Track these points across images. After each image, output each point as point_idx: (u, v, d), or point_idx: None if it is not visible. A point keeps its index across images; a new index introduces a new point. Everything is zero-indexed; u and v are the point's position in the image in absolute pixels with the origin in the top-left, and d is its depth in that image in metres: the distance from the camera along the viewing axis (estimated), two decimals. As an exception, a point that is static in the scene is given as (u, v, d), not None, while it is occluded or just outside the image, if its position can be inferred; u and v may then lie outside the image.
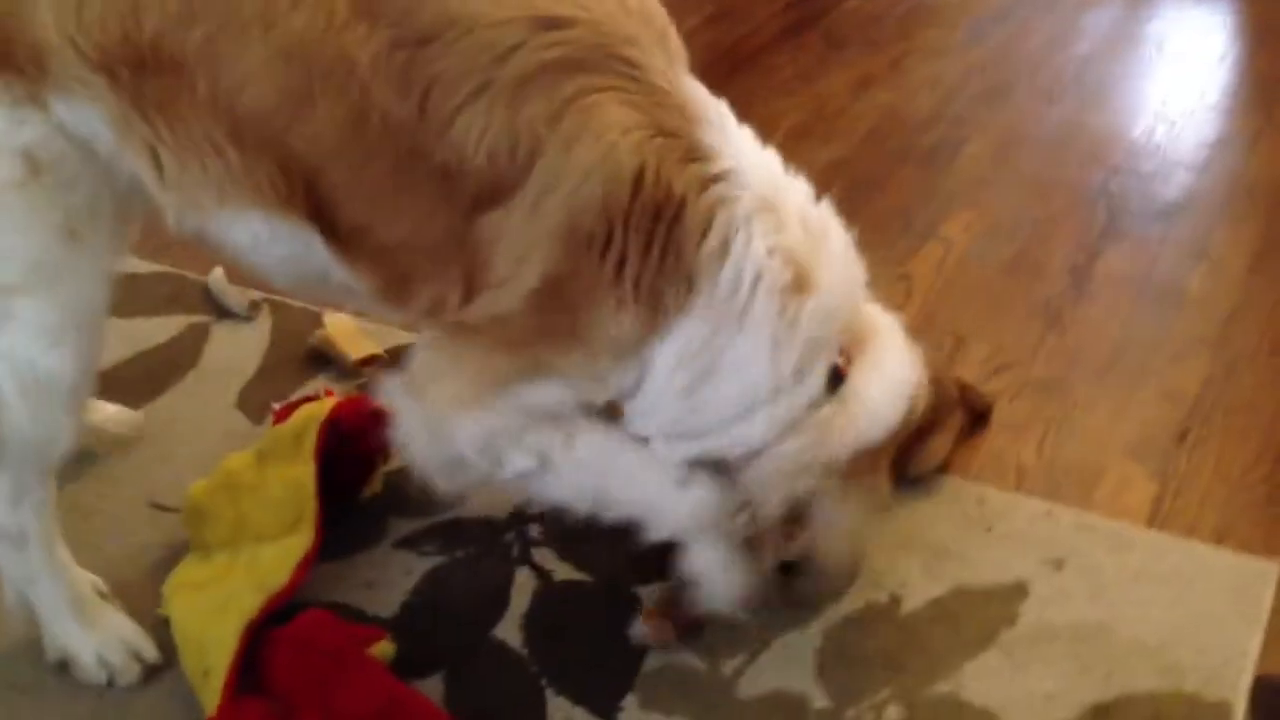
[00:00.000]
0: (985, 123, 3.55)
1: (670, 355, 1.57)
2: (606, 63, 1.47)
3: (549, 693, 1.72)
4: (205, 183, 1.52)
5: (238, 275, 2.48)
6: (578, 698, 1.71)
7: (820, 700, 1.71)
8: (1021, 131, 3.51)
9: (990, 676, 1.75)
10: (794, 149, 3.41)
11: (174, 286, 2.60)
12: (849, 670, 1.76)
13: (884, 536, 1.98)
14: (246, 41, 1.43)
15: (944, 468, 2.12)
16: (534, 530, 1.99)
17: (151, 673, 1.75)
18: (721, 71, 3.89)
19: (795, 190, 1.68)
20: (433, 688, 1.72)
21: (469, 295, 1.57)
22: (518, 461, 1.63)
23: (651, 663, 1.76)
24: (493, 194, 1.48)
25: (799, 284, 1.58)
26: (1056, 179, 3.23)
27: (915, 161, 3.33)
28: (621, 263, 1.49)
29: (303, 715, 1.61)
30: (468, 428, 1.60)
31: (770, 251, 1.56)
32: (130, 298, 2.44)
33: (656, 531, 1.67)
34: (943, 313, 2.64)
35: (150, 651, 1.77)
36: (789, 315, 1.57)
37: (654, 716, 1.68)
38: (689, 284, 1.53)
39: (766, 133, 3.59)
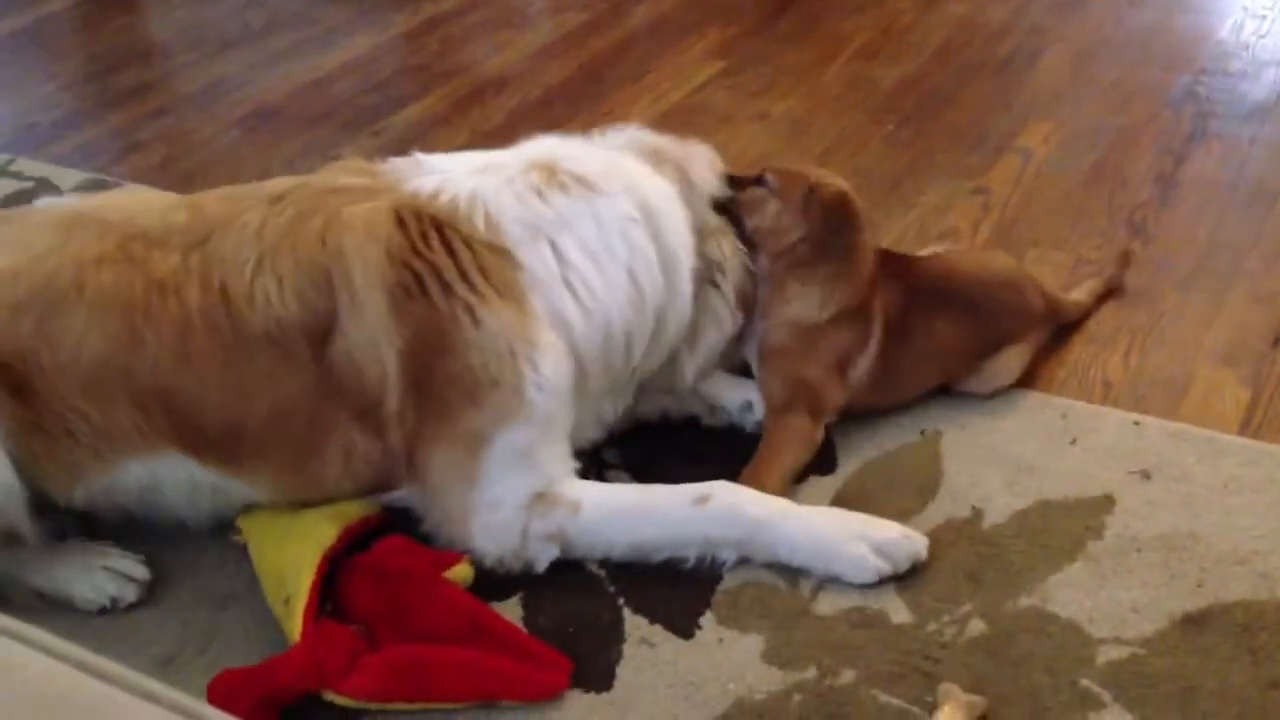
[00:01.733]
0: (1061, 31, 3.43)
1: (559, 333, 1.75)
2: (326, 198, 1.75)
3: (626, 611, 1.72)
4: (78, 448, 1.69)
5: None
6: (655, 616, 1.71)
7: (900, 614, 1.69)
8: (1100, 37, 3.38)
9: (1075, 588, 1.71)
10: (863, 68, 3.36)
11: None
12: (929, 584, 1.73)
13: (963, 451, 1.95)
14: (68, 309, 1.64)
15: (1025, 381, 2.07)
16: (610, 454, 1.99)
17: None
18: (785, -6, 3.81)
19: (497, 157, 1.88)
20: (511, 609, 1.73)
21: (372, 423, 1.72)
22: (544, 552, 1.75)
23: (729, 581, 1.75)
24: (323, 328, 1.69)
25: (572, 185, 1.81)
26: (1138, 85, 3.11)
27: (989, 74, 3.23)
28: (446, 287, 1.69)
29: (384, 638, 1.63)
30: (485, 547, 1.74)
31: (520, 197, 1.78)
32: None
33: (695, 556, 1.76)
34: (1022, 225, 2.57)
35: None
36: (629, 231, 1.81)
37: (732, 634, 1.67)
38: (510, 259, 1.74)
39: (834, 53, 3.54)
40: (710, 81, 3.30)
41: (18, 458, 1.66)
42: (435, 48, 3.63)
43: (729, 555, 1.76)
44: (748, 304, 1.96)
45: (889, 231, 2.57)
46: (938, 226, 2.57)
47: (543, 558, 1.75)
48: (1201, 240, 2.47)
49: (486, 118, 3.19)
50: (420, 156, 1.88)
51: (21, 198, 2.87)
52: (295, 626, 1.62)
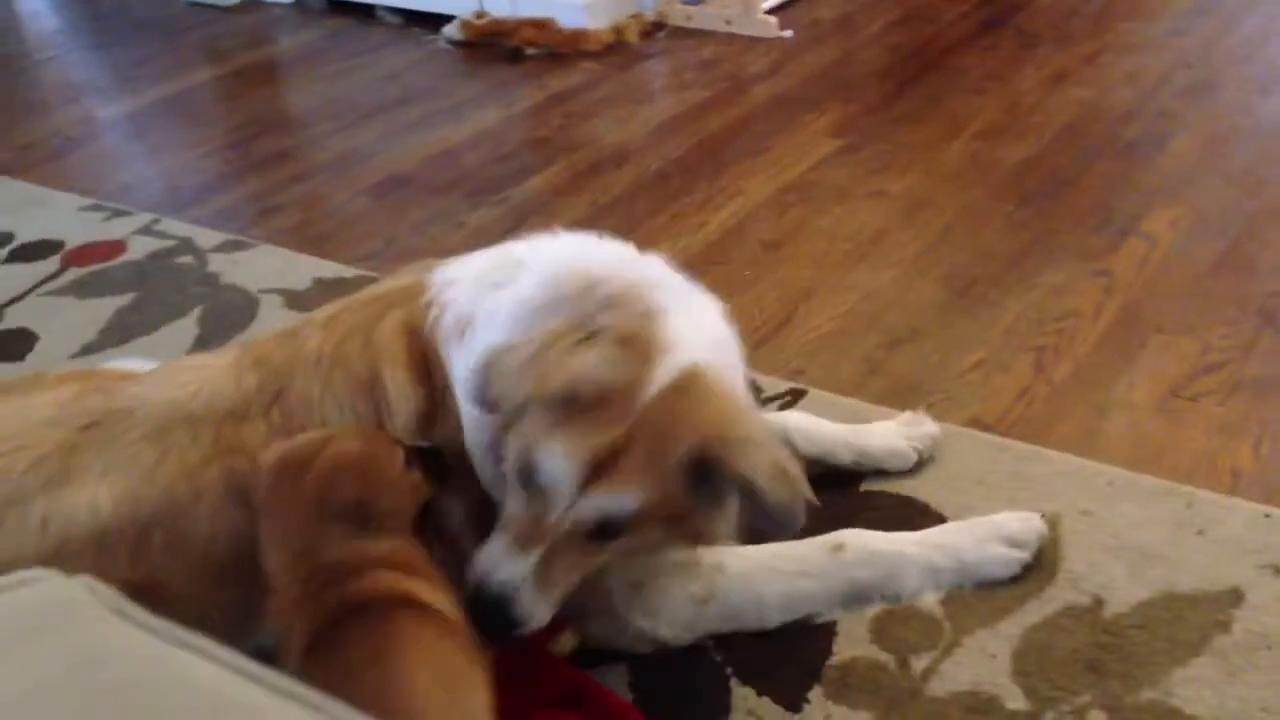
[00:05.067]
0: (1190, 116, 3.38)
1: None
2: (367, 309, 1.78)
3: (734, 682, 1.70)
4: (218, 627, 1.70)
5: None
6: (763, 688, 1.69)
7: (1016, 701, 1.64)
8: (1230, 124, 3.32)
9: (1202, 684, 1.64)
10: (984, 147, 3.36)
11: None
12: (1047, 672, 1.68)
13: (1084, 536, 1.90)
14: (191, 517, 1.64)
15: (1149, 467, 2.02)
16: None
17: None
18: (910, 72, 3.83)
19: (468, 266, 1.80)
20: (618, 676, 1.73)
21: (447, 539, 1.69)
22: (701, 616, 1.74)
23: (838, 656, 1.73)
24: None
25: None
26: (1270, 172, 3.04)
27: (1114, 157, 3.19)
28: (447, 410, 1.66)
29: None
30: (642, 624, 1.72)
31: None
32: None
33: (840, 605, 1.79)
34: (1146, 310, 2.52)
35: None
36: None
37: (840, 710, 1.65)
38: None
39: (954, 132, 3.55)
40: (828, 158, 3.32)
41: None
42: (559, 122, 3.73)
43: (873, 598, 1.79)
44: None
45: (1008, 311, 2.54)
46: (1058, 308, 2.54)
47: (701, 622, 1.75)
48: (1338, 330, 2.39)
49: (606, 189, 3.25)
50: (443, 269, 1.81)
51: (168, 254, 3.02)
52: None
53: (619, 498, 1.49)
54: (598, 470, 1.47)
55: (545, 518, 1.51)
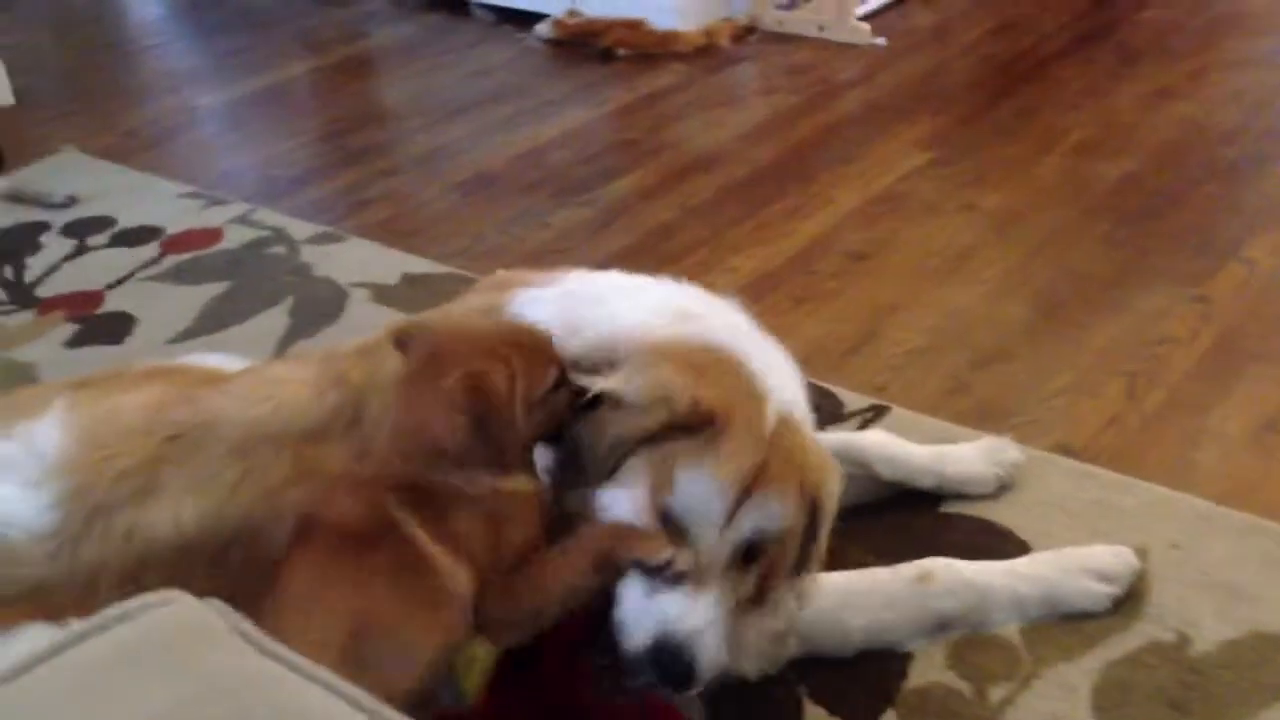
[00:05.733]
0: (1298, 137, 3.29)
1: None
2: None
3: (807, 703, 1.70)
4: None
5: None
6: (836, 709, 1.68)
7: (1096, 737, 1.62)
8: (1340, 146, 3.23)
9: (1289, 730, 1.60)
10: (1079, 164, 3.29)
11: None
12: (1128, 708, 1.65)
13: (1172, 571, 1.86)
14: (269, 537, 1.60)
15: (1241, 503, 1.97)
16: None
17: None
18: (1005, 84, 3.77)
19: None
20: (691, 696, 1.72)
21: None
22: (784, 649, 1.73)
23: (914, 681, 1.71)
24: None
25: None
26: (1382, 198, 2.95)
27: (1217, 178, 3.12)
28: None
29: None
30: (742, 670, 1.68)
31: None
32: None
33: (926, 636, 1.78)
34: (1244, 339, 2.45)
35: None
36: None
37: (914, 736, 1.64)
38: None
39: (1049, 147, 3.48)
40: (919, 170, 3.29)
41: None
42: (648, 124, 3.74)
43: (959, 629, 1.77)
44: None
45: (1100, 333, 2.50)
46: (1154, 333, 2.48)
47: (783, 655, 1.74)
48: None
49: (694, 193, 3.25)
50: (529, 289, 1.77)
51: (262, 244, 3.09)
52: (473, 684, 1.64)
53: (772, 510, 1.48)
54: (747, 490, 1.47)
55: (697, 548, 1.48)
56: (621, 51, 4.26)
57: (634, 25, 4.30)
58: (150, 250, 3.11)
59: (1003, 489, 2.05)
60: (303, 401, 1.72)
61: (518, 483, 1.51)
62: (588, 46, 4.33)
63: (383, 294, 2.81)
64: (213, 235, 3.16)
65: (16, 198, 3.42)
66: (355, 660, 1.38)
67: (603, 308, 1.68)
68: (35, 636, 1.53)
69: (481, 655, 1.66)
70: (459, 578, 1.46)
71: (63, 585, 1.60)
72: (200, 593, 1.58)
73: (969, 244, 2.88)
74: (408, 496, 1.49)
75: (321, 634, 1.40)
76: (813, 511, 1.54)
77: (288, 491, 1.65)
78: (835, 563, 1.83)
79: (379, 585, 1.44)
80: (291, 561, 1.48)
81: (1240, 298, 2.59)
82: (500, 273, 1.92)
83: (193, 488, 1.66)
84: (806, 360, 1.76)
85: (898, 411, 2.28)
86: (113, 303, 2.87)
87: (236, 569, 1.64)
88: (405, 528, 1.46)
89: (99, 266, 3.05)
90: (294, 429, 1.69)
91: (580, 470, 1.55)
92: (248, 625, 0.90)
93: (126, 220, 3.28)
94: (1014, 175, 3.20)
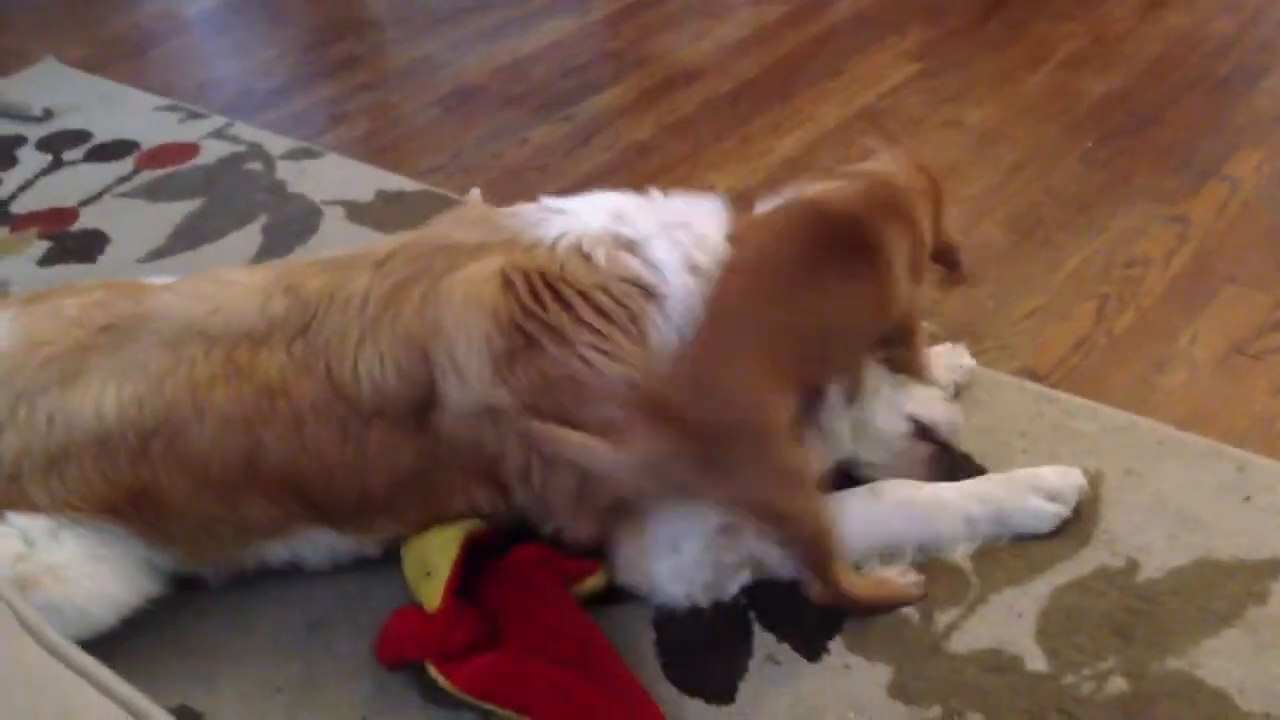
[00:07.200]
0: (1291, 50, 3.21)
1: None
2: (432, 258, 1.70)
3: (756, 627, 1.72)
4: (218, 542, 1.76)
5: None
6: (784, 634, 1.71)
7: (1037, 662, 1.64)
8: (1334, 61, 3.16)
9: (1229, 657, 1.62)
10: (1067, 79, 3.22)
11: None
12: (1072, 635, 1.68)
13: (1125, 496, 1.87)
14: (191, 432, 1.66)
15: (1202, 427, 1.97)
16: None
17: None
18: (994, -5, 3.68)
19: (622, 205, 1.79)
20: (641, 614, 1.75)
21: (495, 483, 1.71)
22: (735, 581, 1.76)
23: (862, 606, 1.74)
24: (426, 400, 1.65)
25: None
26: (1371, 115, 2.89)
27: (1203, 93, 3.06)
28: (564, 342, 1.62)
29: (506, 641, 1.68)
30: (674, 591, 1.73)
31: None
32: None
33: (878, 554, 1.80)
34: (1220, 259, 2.43)
35: None
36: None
37: (858, 660, 1.66)
38: (642, 293, 1.66)
39: (1038, 60, 3.41)
40: (905, 84, 3.23)
41: (158, 563, 1.75)
42: (632, 35, 3.67)
43: (909, 547, 1.79)
44: None
45: (1074, 255, 2.48)
46: (1127, 254, 2.46)
47: (732, 586, 1.75)
48: None
49: (674, 109, 3.21)
50: (547, 202, 1.80)
51: (238, 160, 3.06)
52: (431, 597, 1.69)
53: None
54: None
55: None
56: (609, -43, 4.17)
57: (622, -70, 4.19)
58: (125, 166, 3.09)
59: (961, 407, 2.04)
60: (245, 305, 1.72)
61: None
62: (575, -48, 4.24)
63: (356, 212, 2.80)
64: (189, 150, 3.14)
65: (-5, 109, 3.40)
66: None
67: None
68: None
69: (441, 566, 1.71)
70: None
71: None
72: (126, 484, 1.66)
73: (950, 162, 2.84)
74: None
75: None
76: None
77: (214, 389, 1.66)
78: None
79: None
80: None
81: (1219, 218, 2.56)
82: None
83: (116, 374, 1.67)
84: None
85: (865, 335, 2.27)
86: (86, 219, 2.86)
87: (159, 462, 1.67)
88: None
89: (74, 182, 3.03)
90: (231, 330, 1.70)
91: None
92: (41, 620, 0.88)
93: (102, 134, 3.25)
94: (1001, 90, 3.15)
